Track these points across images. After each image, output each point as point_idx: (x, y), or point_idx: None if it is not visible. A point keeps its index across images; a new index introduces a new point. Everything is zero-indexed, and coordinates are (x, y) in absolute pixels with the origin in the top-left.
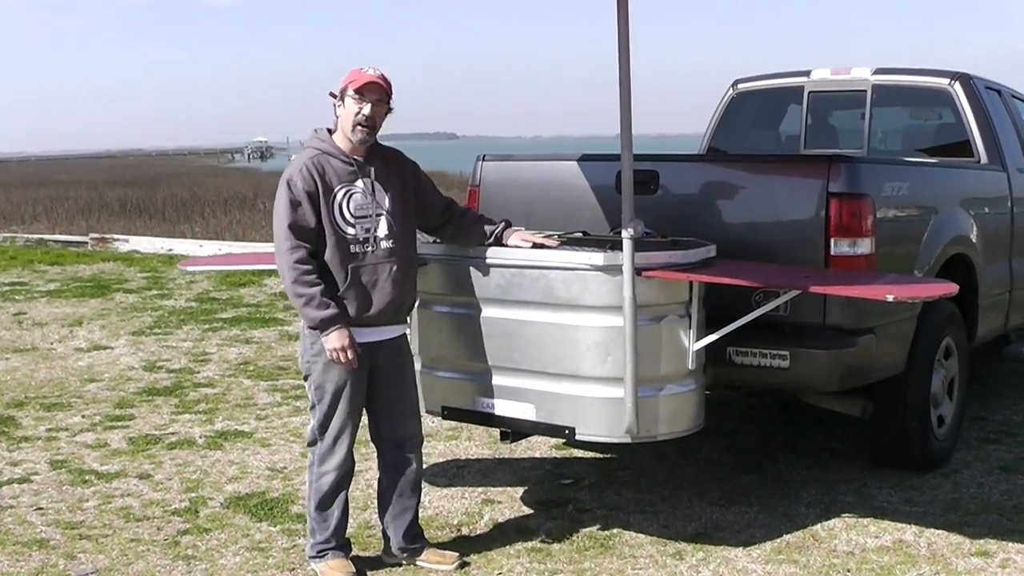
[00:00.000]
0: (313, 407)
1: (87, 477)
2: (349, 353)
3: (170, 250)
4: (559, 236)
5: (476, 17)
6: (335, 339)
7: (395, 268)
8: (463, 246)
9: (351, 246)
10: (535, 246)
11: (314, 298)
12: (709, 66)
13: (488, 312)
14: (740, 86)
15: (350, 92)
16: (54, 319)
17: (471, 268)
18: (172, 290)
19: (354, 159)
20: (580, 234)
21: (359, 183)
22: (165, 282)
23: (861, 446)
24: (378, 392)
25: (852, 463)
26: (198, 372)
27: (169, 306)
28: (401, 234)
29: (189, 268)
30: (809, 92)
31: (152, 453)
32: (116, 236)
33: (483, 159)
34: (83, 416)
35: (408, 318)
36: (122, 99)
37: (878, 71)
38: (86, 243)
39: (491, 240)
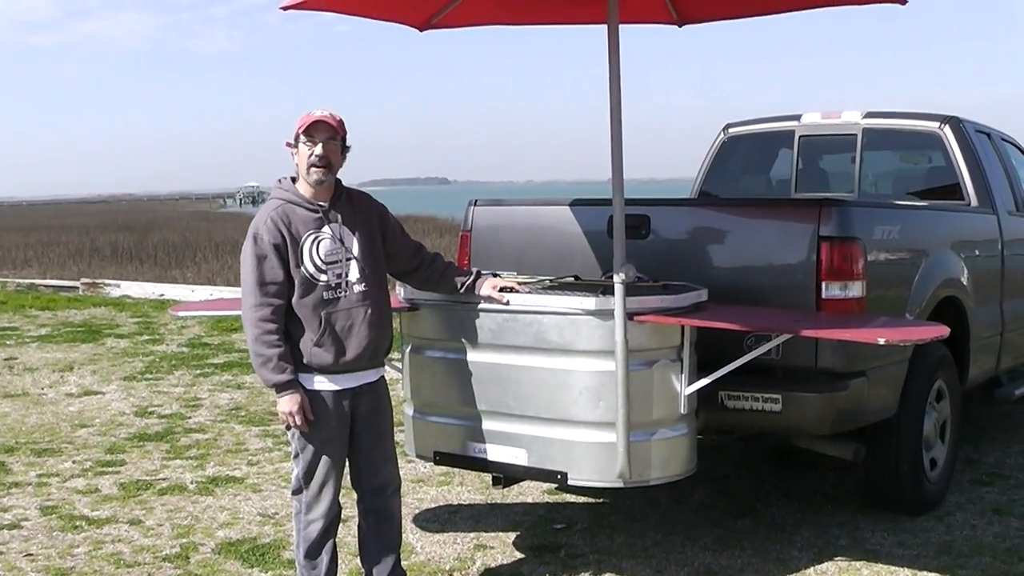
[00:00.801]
0: (297, 456)
1: (78, 523)
2: (298, 419)
3: (161, 295)
4: (551, 281)
5: (468, 63)
6: (287, 403)
7: (370, 311)
8: (433, 291)
9: (324, 292)
10: (503, 289)
11: (271, 360)
12: (700, 111)
13: (480, 357)
14: (731, 130)
15: (301, 136)
16: (45, 364)
17: (463, 313)
18: (163, 335)
19: (319, 205)
20: (572, 279)
21: (326, 229)
22: (156, 327)
23: (854, 489)
24: (359, 438)
25: (845, 506)
26: (189, 417)
27: (160, 351)
28: (373, 277)
29: (180, 313)
30: (800, 136)
31: (143, 499)
32: (107, 281)
33: (475, 204)
34: (74, 462)
35: (386, 361)
36: (114, 144)
37: (868, 115)
38: (77, 288)
39: (463, 291)
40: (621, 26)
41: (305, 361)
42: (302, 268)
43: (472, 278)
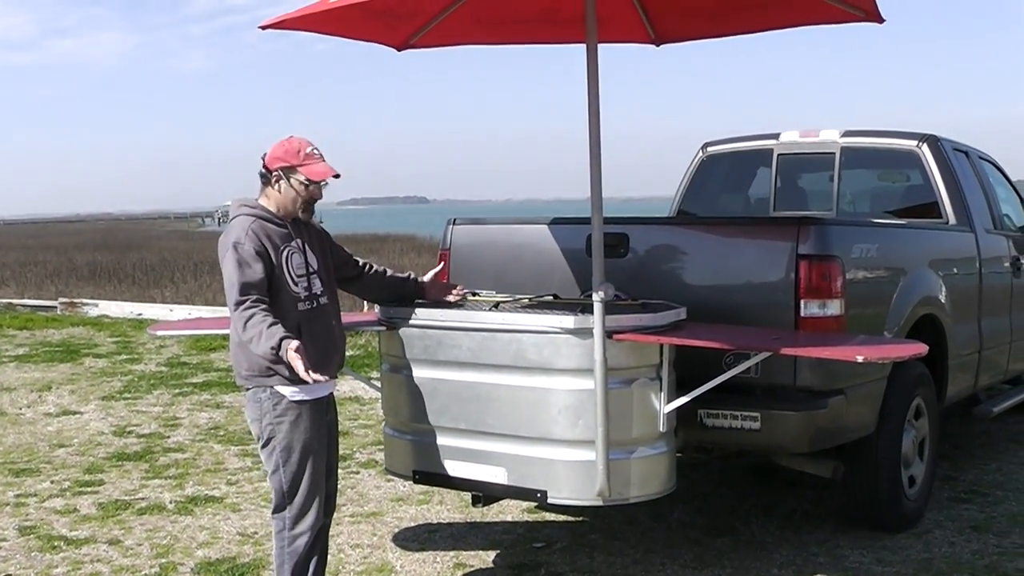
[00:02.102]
0: (277, 470)
1: (56, 543)
2: (301, 363)
3: (140, 314)
4: (530, 300)
5: (447, 82)
6: (295, 347)
7: (334, 322)
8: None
9: (298, 304)
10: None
11: (259, 337)
12: (678, 129)
13: (459, 375)
14: (709, 149)
15: (302, 178)
16: (23, 384)
17: (442, 331)
18: (142, 355)
19: (286, 223)
20: (551, 297)
21: (294, 243)
22: (135, 347)
23: (833, 507)
24: (327, 447)
25: (824, 524)
26: (168, 437)
27: (139, 371)
28: (331, 290)
29: (159, 332)
30: (778, 155)
31: (122, 518)
32: (85, 300)
33: (454, 223)
34: (52, 481)
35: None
36: (92, 163)
37: (847, 133)
38: (55, 308)
39: (411, 288)
40: (600, 45)
41: (286, 371)
42: (283, 278)
43: (414, 279)
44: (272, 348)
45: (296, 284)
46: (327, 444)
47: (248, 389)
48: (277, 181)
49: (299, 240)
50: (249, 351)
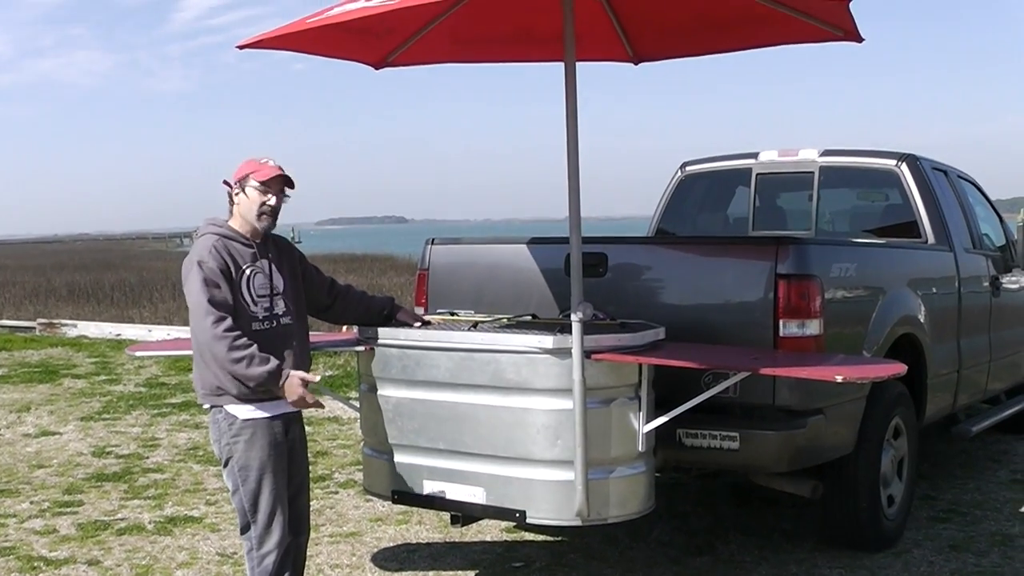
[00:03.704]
0: (237, 490)
1: (36, 564)
2: (309, 399)
3: (119, 335)
4: (508, 319)
5: (424, 101)
6: (295, 385)
7: (296, 343)
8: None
9: (253, 323)
10: (423, 325)
11: (254, 356)
12: (657, 148)
13: (438, 396)
14: (688, 168)
15: (254, 183)
16: (1, 405)
17: (420, 352)
18: (121, 375)
19: (253, 242)
20: (529, 317)
21: (259, 263)
22: (114, 367)
23: (811, 526)
24: (292, 464)
25: (803, 543)
26: (147, 457)
27: (118, 391)
28: (296, 311)
29: (138, 353)
30: (757, 174)
31: (101, 539)
32: (64, 321)
33: (432, 243)
34: (31, 502)
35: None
36: (69, 184)
37: (825, 152)
38: (34, 328)
39: (385, 316)
40: (578, 63)
41: (240, 390)
42: (240, 298)
43: (390, 307)
44: (269, 373)
45: (255, 304)
46: (293, 462)
47: (206, 409)
48: (237, 195)
49: (265, 260)
50: (204, 370)
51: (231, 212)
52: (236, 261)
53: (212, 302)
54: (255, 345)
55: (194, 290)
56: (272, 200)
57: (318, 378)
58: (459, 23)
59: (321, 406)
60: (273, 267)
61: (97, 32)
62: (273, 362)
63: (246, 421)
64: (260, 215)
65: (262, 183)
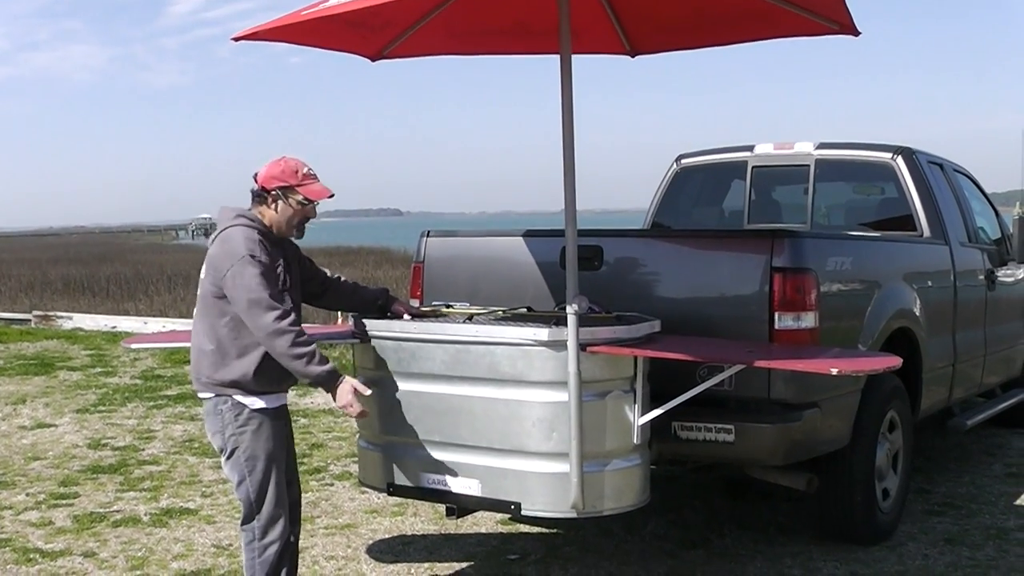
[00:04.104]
0: (243, 481)
1: (32, 556)
2: (356, 407)
3: (114, 327)
4: (504, 312)
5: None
6: (346, 389)
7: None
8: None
9: None
10: (415, 316)
11: (313, 355)
12: (653, 142)
13: (433, 388)
14: (683, 161)
15: (301, 198)
16: None
17: (416, 344)
18: (116, 367)
19: (278, 240)
20: (525, 310)
21: (280, 261)
22: (109, 359)
23: (807, 520)
24: (287, 455)
25: (798, 537)
26: (143, 449)
27: (113, 383)
28: (298, 305)
29: (133, 345)
30: (752, 167)
31: (97, 531)
32: (60, 314)
33: (427, 235)
34: (27, 494)
35: None
36: (65, 177)
37: (821, 145)
38: (29, 321)
39: (379, 306)
40: (574, 56)
41: (254, 382)
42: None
43: (384, 298)
44: (329, 372)
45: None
46: (288, 451)
47: (208, 398)
48: (275, 200)
49: (283, 256)
50: (220, 358)
51: (256, 209)
52: (273, 257)
53: (273, 296)
54: (315, 343)
55: (252, 284)
56: (313, 215)
57: (369, 392)
58: (456, 15)
59: (366, 414)
60: (285, 263)
61: (93, 26)
62: (330, 363)
63: (254, 411)
64: (299, 225)
65: (309, 200)
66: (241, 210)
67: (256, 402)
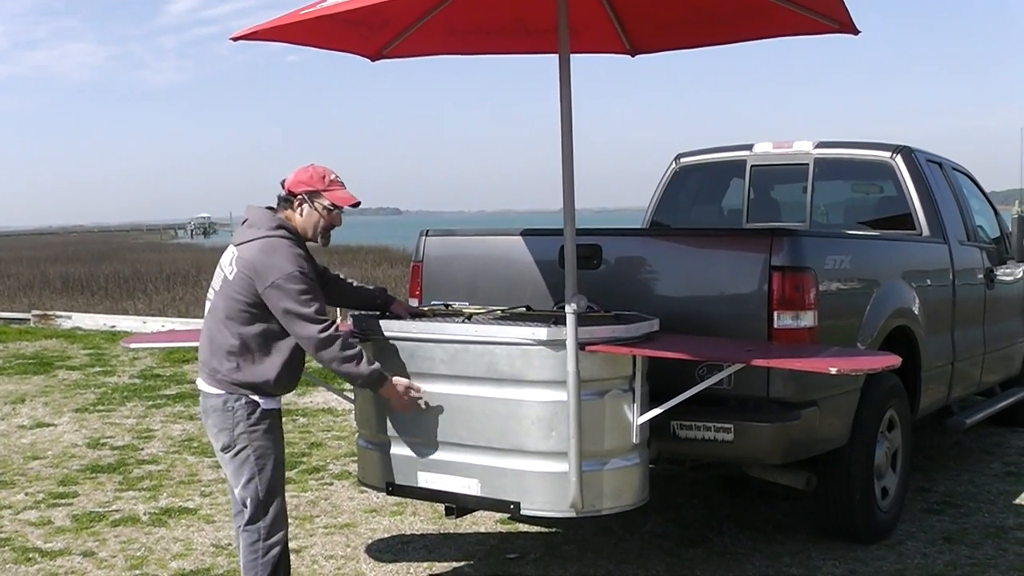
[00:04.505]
0: (251, 479)
1: (31, 555)
2: (406, 407)
3: (113, 327)
4: (503, 311)
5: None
6: (394, 391)
7: None
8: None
9: None
10: (414, 316)
11: (360, 357)
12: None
13: (432, 387)
14: (682, 160)
15: (327, 203)
16: None
17: (415, 344)
18: (115, 367)
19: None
20: (524, 309)
21: (308, 268)
22: (108, 359)
23: (805, 518)
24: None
25: (796, 535)
26: (142, 449)
27: (112, 383)
28: None
29: (132, 345)
30: (751, 166)
31: (96, 530)
32: (59, 313)
33: (426, 234)
34: (26, 494)
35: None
36: (63, 176)
37: (820, 144)
38: (28, 320)
39: (377, 305)
40: (575, 56)
41: (270, 385)
42: None
43: (382, 297)
44: (380, 373)
45: None
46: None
47: (217, 394)
48: (300, 205)
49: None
50: (244, 360)
51: (285, 213)
52: (312, 268)
53: (319, 312)
54: (360, 345)
55: (303, 299)
56: (338, 222)
57: (423, 388)
58: (455, 15)
59: (420, 408)
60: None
61: (90, 24)
62: (377, 365)
63: (266, 411)
64: (324, 234)
65: (335, 206)
66: (279, 218)
67: (269, 402)
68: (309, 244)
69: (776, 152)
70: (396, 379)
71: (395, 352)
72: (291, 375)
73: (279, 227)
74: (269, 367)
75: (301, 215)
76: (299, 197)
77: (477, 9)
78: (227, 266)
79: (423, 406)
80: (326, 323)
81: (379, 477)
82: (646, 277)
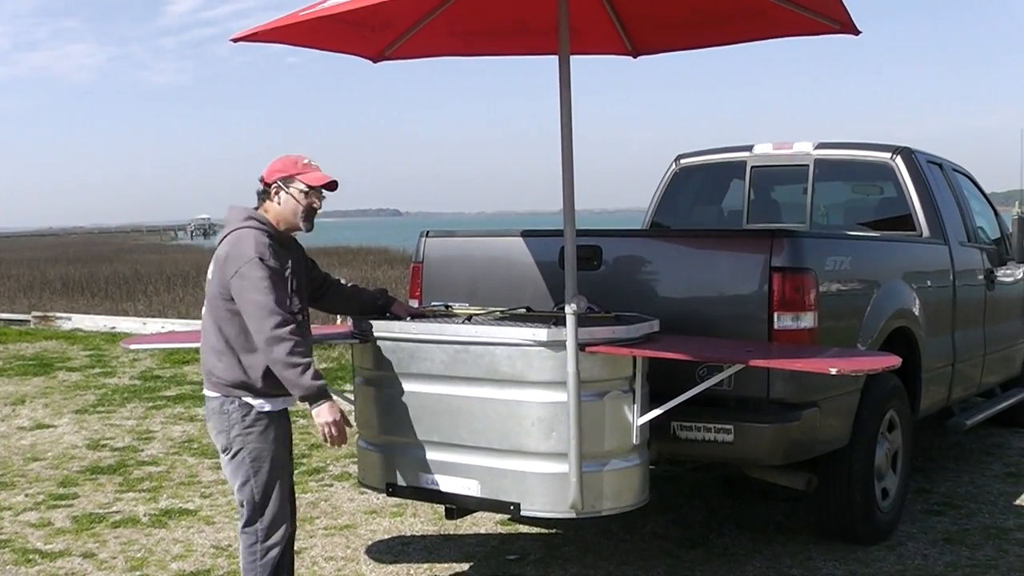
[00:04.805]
0: (247, 482)
1: (31, 556)
2: (335, 429)
3: (113, 328)
4: (503, 312)
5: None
6: (328, 411)
7: (308, 338)
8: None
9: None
10: (414, 317)
11: (308, 367)
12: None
13: (432, 388)
14: (683, 161)
15: (301, 186)
16: None
17: (415, 345)
18: (115, 368)
19: (288, 241)
20: (524, 310)
21: (289, 263)
22: (108, 360)
23: (806, 519)
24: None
25: (797, 536)
26: (142, 450)
27: (112, 384)
28: (306, 306)
29: (132, 346)
30: (751, 167)
31: (96, 532)
32: (59, 314)
33: (426, 235)
34: (26, 495)
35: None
36: (64, 177)
37: (820, 145)
38: (28, 321)
39: (378, 307)
40: (577, 57)
41: (263, 385)
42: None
43: (383, 299)
44: (320, 388)
45: (291, 303)
46: (290, 451)
47: (214, 397)
48: (276, 193)
49: (291, 259)
50: (230, 359)
51: (262, 208)
52: (282, 261)
53: (278, 303)
54: (312, 358)
55: (259, 286)
56: (317, 204)
57: (354, 426)
58: (457, 16)
59: (344, 442)
60: (294, 265)
61: (91, 25)
62: (323, 382)
63: (261, 413)
64: (306, 218)
65: (311, 187)
66: (250, 211)
67: (263, 404)
68: (302, 236)
69: (776, 153)
70: (333, 406)
71: (395, 353)
72: None
73: (248, 218)
74: (254, 365)
75: (279, 204)
76: (275, 185)
77: (479, 10)
78: (210, 267)
79: (343, 441)
80: (281, 320)
81: (379, 478)
82: (646, 278)
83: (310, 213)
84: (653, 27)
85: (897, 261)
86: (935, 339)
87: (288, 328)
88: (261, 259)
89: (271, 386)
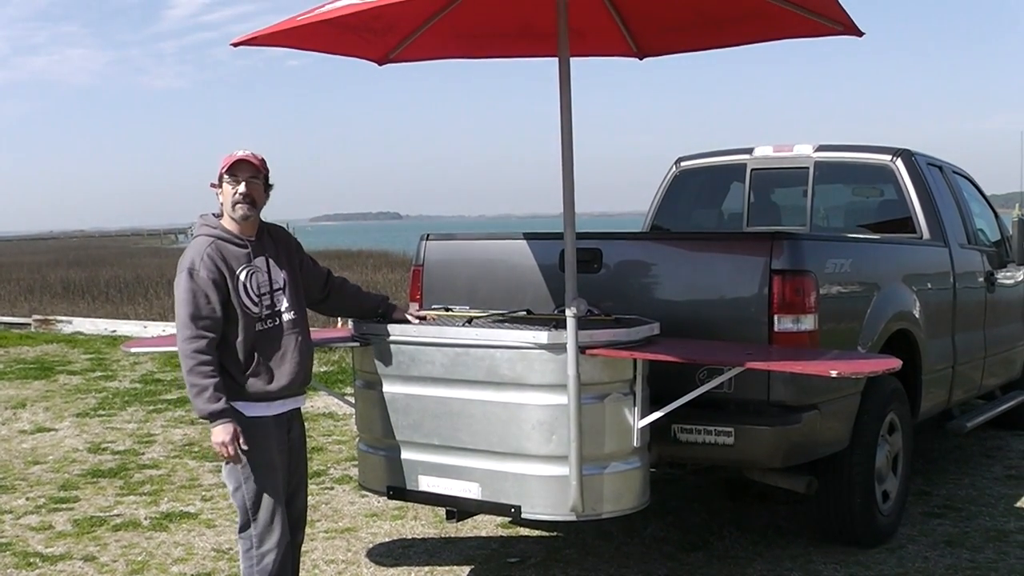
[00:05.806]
0: (239, 488)
1: (32, 560)
2: (231, 448)
3: (114, 331)
4: (503, 315)
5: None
6: (221, 432)
7: (300, 339)
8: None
9: (256, 324)
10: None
11: (206, 389)
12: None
13: (433, 391)
14: (683, 164)
15: (225, 176)
16: None
17: (415, 348)
18: (116, 371)
19: (247, 240)
20: (524, 313)
21: (256, 261)
22: (109, 363)
23: (806, 522)
24: (292, 463)
25: (797, 539)
26: (143, 453)
27: (113, 387)
28: (298, 305)
29: (133, 349)
30: (752, 169)
31: (97, 535)
32: (59, 317)
33: (427, 238)
34: (27, 498)
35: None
36: (64, 181)
37: (820, 148)
38: (29, 325)
39: (379, 316)
40: (582, 59)
41: (245, 390)
42: (240, 301)
43: (385, 306)
44: (210, 413)
45: (256, 304)
46: (293, 460)
47: None
48: (218, 193)
49: (262, 258)
50: (216, 364)
51: (222, 211)
52: (230, 265)
53: (194, 316)
54: (217, 379)
55: (181, 299)
56: (243, 187)
57: (246, 448)
58: (461, 18)
59: (238, 461)
60: (272, 263)
61: (90, 29)
62: (219, 405)
63: (252, 419)
64: (234, 205)
65: (229, 173)
66: (208, 217)
67: (254, 409)
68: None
69: (776, 156)
70: (226, 428)
71: (395, 356)
72: (261, 377)
73: (202, 225)
74: (231, 369)
75: (221, 199)
76: (216, 184)
77: (482, 13)
78: None
79: (237, 461)
80: (191, 335)
81: (380, 481)
82: (646, 281)
83: (238, 199)
84: (657, 29)
85: (897, 263)
86: (935, 341)
87: (195, 346)
88: (190, 271)
89: (255, 389)
